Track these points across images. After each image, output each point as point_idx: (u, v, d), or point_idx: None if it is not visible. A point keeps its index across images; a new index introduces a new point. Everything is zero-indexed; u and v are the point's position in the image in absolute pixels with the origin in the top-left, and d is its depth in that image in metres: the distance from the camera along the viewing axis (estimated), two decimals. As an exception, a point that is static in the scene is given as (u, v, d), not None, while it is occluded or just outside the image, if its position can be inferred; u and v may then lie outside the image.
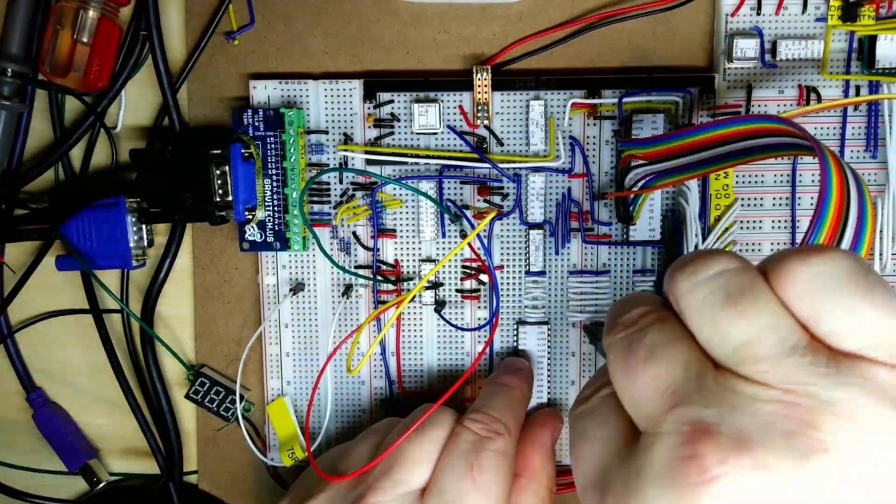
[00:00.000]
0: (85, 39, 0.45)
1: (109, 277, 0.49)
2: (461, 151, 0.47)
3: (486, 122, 0.46)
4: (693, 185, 0.45)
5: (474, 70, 0.45)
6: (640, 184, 0.44)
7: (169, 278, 0.49)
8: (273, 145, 0.46)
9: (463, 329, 0.48)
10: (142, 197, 0.46)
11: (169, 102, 0.47)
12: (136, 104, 0.48)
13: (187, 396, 0.49)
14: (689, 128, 0.41)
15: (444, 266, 0.48)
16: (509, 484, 0.40)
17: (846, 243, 0.30)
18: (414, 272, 0.48)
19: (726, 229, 0.46)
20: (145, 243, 0.48)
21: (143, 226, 0.48)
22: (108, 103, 0.48)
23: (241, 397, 0.49)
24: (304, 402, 0.49)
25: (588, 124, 0.46)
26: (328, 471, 0.43)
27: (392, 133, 0.47)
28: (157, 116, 0.48)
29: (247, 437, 0.48)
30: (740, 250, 0.47)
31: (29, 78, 0.47)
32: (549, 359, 0.48)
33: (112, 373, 0.49)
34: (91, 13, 0.45)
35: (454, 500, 0.38)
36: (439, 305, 0.48)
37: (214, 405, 0.49)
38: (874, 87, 0.46)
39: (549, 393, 0.49)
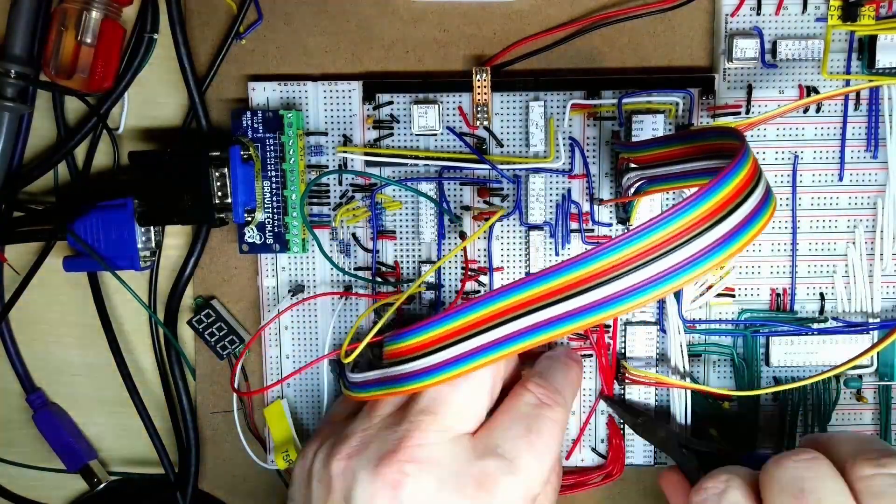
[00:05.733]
0: (88, 41, 0.45)
1: (113, 279, 0.49)
2: (461, 153, 0.47)
3: (485, 123, 0.46)
4: (693, 186, 0.45)
5: (474, 71, 0.45)
6: (634, 187, 0.43)
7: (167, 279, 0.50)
8: (272, 147, 0.46)
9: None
10: (141, 199, 0.46)
11: (196, 103, 0.47)
12: (138, 105, 0.49)
13: (189, 323, 0.48)
14: (662, 138, 0.41)
15: (444, 267, 0.48)
16: (560, 453, 0.41)
17: (729, 224, 0.31)
18: (414, 274, 0.48)
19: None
20: (153, 244, 0.48)
21: (151, 227, 0.48)
22: (112, 104, 0.48)
23: (242, 340, 0.48)
24: (304, 405, 0.49)
25: (588, 125, 0.46)
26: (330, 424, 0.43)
27: (391, 134, 0.47)
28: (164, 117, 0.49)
29: (243, 439, 0.48)
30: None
31: (31, 79, 0.47)
32: (548, 360, 0.48)
33: (111, 373, 0.50)
34: (94, 14, 0.45)
35: (509, 457, 0.38)
36: (433, 307, 0.48)
37: (213, 340, 0.48)
38: (874, 91, 0.45)
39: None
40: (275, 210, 0.47)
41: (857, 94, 0.46)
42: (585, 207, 0.47)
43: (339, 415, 0.43)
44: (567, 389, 0.42)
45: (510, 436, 0.39)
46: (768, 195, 0.33)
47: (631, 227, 0.46)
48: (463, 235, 0.47)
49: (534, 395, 0.41)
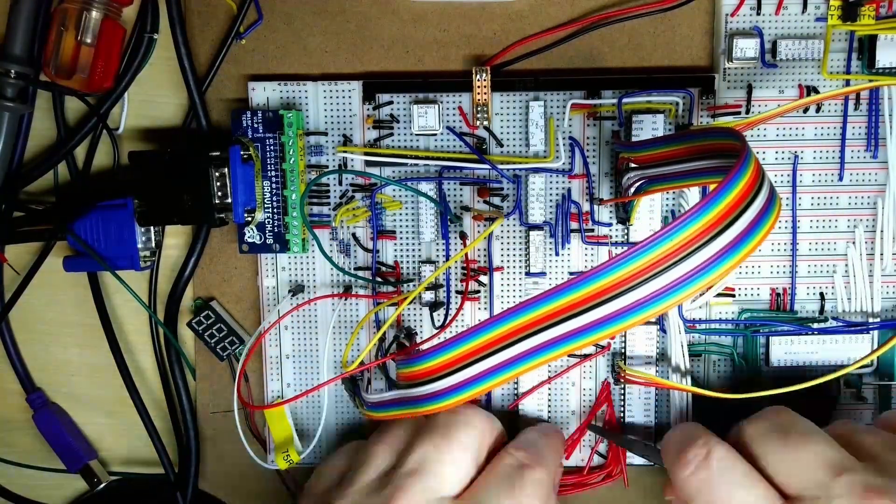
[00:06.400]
0: (88, 40, 0.45)
1: (113, 279, 0.49)
2: (460, 152, 0.47)
3: (485, 122, 0.46)
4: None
5: (474, 71, 0.45)
6: (634, 187, 0.43)
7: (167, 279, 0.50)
8: (272, 147, 0.46)
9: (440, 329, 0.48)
10: (141, 199, 0.46)
11: (196, 103, 0.47)
12: (138, 105, 0.49)
13: (189, 325, 0.48)
14: (662, 138, 0.41)
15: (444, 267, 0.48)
16: None
17: (736, 229, 0.31)
18: (414, 274, 0.48)
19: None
20: (153, 244, 0.48)
21: (151, 227, 0.48)
22: (112, 104, 0.48)
23: (242, 340, 0.48)
24: (304, 405, 0.49)
25: (588, 125, 0.46)
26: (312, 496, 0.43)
27: (391, 134, 0.47)
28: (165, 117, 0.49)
29: (243, 439, 0.48)
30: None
31: (31, 79, 0.47)
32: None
33: (111, 373, 0.50)
34: (94, 14, 0.45)
35: None
36: (433, 306, 0.48)
37: (213, 341, 0.48)
38: (874, 91, 0.45)
39: (548, 396, 0.48)
40: (275, 210, 0.47)
41: (857, 94, 0.46)
42: (585, 207, 0.47)
43: (330, 472, 0.44)
44: (548, 453, 0.43)
45: (493, 495, 0.39)
46: (772, 198, 0.33)
47: (630, 226, 0.46)
48: (463, 236, 0.47)
49: (515, 458, 0.41)
